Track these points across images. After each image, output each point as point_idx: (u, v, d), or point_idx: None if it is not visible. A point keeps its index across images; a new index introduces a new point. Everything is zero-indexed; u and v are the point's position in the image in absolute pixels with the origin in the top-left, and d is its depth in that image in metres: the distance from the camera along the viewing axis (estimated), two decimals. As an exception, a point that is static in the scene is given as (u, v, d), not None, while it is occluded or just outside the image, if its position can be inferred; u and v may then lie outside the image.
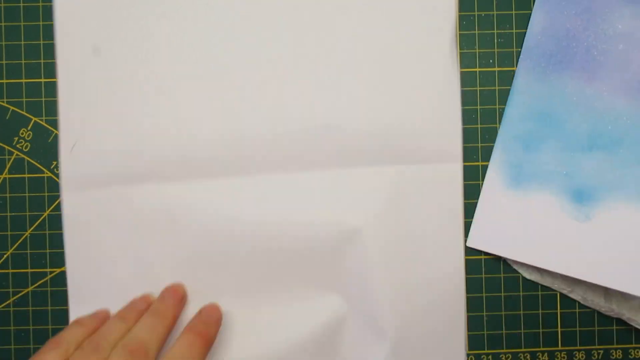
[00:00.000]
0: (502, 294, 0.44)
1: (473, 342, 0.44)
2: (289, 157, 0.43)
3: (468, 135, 0.44)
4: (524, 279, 0.44)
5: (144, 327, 0.41)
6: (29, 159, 0.44)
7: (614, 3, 0.43)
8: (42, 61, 0.43)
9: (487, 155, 0.44)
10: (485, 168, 0.44)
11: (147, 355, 0.39)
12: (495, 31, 0.44)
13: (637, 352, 0.44)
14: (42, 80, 0.43)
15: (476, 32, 0.44)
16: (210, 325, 0.42)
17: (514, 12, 0.44)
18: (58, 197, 0.44)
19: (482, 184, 0.44)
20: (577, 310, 0.44)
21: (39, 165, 0.44)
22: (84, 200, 0.43)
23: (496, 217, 0.43)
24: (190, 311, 0.43)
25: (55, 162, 0.44)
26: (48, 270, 0.44)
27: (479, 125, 0.44)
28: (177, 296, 0.43)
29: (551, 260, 0.42)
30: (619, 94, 0.43)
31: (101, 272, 0.43)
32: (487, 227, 0.43)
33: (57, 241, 0.44)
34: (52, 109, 0.44)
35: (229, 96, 0.43)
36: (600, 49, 0.43)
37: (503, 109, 0.44)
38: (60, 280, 0.44)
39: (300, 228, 0.43)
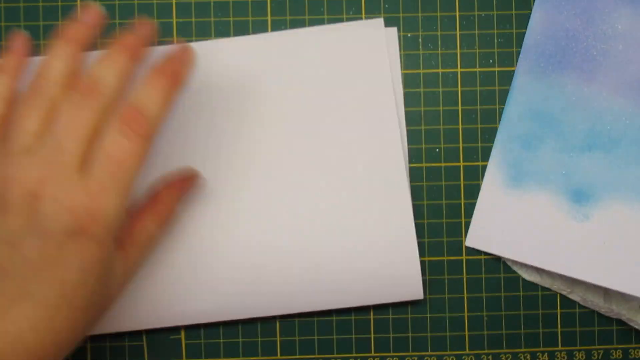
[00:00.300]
0: (502, 294, 0.44)
1: (473, 342, 0.44)
2: None
3: (468, 135, 0.44)
4: (524, 279, 0.44)
5: (102, 62, 0.34)
6: (29, 158, 0.44)
7: (613, 3, 0.43)
8: (42, 61, 0.44)
9: (486, 155, 0.44)
10: (484, 168, 0.44)
11: (101, 94, 0.33)
12: (495, 31, 0.44)
13: (637, 352, 0.44)
14: (42, 80, 0.44)
15: (476, 32, 0.44)
16: (181, 64, 0.35)
17: (514, 12, 0.44)
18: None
19: (481, 183, 0.44)
20: (577, 310, 0.44)
21: (39, 165, 0.44)
22: None
23: (495, 217, 0.43)
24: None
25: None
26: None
27: (478, 125, 0.44)
28: (146, 28, 0.36)
29: (549, 260, 0.42)
30: (618, 94, 0.43)
31: None
32: (486, 227, 0.43)
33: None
34: (52, 109, 0.44)
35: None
36: (600, 49, 0.43)
37: (503, 109, 0.44)
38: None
39: None
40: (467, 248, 0.44)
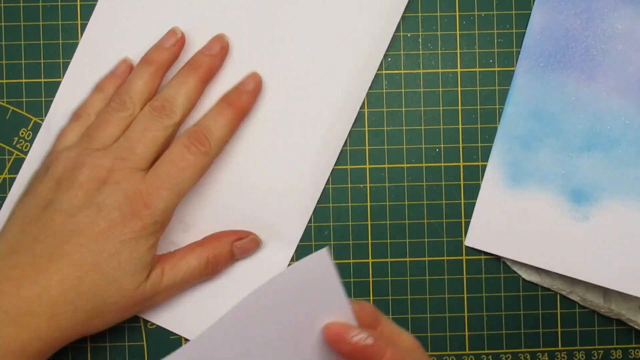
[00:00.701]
0: (502, 294, 0.44)
1: (473, 342, 0.44)
2: None
3: (468, 135, 0.44)
4: (524, 279, 0.44)
5: (174, 83, 0.40)
6: (29, 158, 0.44)
7: (613, 3, 0.43)
8: (42, 61, 0.44)
9: (486, 155, 0.44)
10: (484, 168, 0.44)
11: (172, 112, 0.39)
12: (495, 31, 0.44)
13: (637, 352, 0.44)
14: (42, 80, 0.44)
15: (476, 32, 0.44)
16: (245, 94, 0.41)
17: (514, 12, 0.44)
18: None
19: (481, 183, 0.44)
20: (576, 310, 0.44)
21: (39, 165, 0.44)
22: None
23: (494, 217, 0.43)
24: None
25: (55, 162, 0.44)
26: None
27: (478, 125, 0.44)
28: (216, 45, 0.42)
29: (549, 260, 0.42)
30: (618, 94, 0.43)
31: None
32: (486, 227, 0.43)
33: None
34: (52, 109, 0.44)
35: None
36: (599, 49, 0.43)
37: (503, 109, 0.44)
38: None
39: None
40: (467, 248, 0.44)
